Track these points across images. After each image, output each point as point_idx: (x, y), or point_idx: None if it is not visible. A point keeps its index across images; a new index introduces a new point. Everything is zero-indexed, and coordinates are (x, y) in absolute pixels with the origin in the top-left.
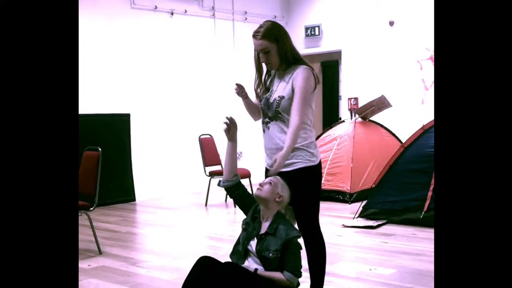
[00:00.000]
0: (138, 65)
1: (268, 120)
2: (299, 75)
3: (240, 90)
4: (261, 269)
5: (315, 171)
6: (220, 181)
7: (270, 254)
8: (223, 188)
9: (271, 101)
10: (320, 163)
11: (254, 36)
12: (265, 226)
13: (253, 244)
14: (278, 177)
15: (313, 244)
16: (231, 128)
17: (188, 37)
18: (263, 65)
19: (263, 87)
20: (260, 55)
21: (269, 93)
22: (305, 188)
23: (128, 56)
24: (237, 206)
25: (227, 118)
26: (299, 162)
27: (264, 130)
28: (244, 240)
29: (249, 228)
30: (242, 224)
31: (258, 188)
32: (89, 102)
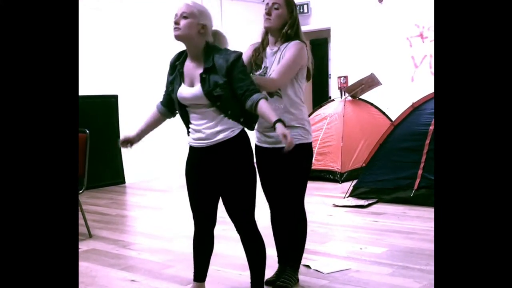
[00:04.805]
0: (124, 45)
1: None
2: (291, 46)
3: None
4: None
5: (309, 148)
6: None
7: (220, 91)
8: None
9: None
10: (311, 141)
11: None
12: (199, 66)
13: (185, 92)
14: (188, 4)
15: (296, 222)
16: (131, 142)
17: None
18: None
19: (254, 63)
20: (266, 8)
21: (262, 70)
22: (297, 166)
23: (114, 36)
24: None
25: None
26: (295, 139)
27: None
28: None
29: (176, 84)
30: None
31: (175, 28)
32: None
